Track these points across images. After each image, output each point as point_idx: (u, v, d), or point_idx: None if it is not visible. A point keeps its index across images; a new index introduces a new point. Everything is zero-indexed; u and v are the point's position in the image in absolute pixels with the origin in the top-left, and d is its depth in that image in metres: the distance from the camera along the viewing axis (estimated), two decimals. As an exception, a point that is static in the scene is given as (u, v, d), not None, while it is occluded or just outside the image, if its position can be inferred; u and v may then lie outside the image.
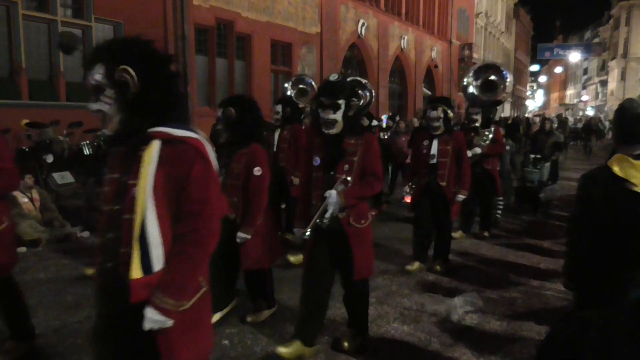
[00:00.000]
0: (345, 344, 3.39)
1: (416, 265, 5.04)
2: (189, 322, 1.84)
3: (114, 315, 1.85)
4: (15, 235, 3.55)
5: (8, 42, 8.77)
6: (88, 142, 8.38)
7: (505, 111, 39.06)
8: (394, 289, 4.65)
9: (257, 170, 3.51)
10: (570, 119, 27.84)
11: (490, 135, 6.24)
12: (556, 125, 16.09)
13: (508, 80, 6.81)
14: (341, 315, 3.75)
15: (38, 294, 4.41)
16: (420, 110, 14.92)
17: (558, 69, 65.94)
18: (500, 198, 7.35)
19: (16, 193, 6.02)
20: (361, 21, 18.08)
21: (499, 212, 7.58)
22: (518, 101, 51.96)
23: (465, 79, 7.01)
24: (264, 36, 13.70)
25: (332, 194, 3.01)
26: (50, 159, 7.94)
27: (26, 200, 6.13)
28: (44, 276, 4.94)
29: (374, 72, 19.34)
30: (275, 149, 5.58)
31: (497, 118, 14.91)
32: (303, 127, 5.97)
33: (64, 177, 7.85)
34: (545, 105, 74.92)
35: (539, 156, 8.15)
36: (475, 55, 27.78)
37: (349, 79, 8.40)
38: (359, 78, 9.13)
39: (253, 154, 3.54)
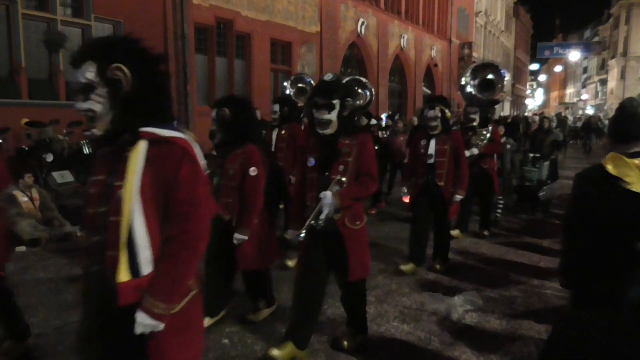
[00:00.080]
0: (345, 343, 3.40)
1: (410, 266, 5.01)
2: (179, 325, 1.80)
3: (101, 319, 1.80)
4: (9, 235, 3.53)
5: (8, 41, 8.76)
6: (88, 141, 8.38)
7: (505, 110, 39.06)
8: (393, 287, 4.65)
9: (252, 171, 3.49)
10: (570, 118, 27.83)
11: (488, 135, 6.22)
12: (555, 124, 16.09)
13: (506, 79, 6.79)
14: (341, 315, 3.75)
15: (38, 293, 4.42)
16: (419, 109, 14.91)
17: (558, 68, 65.92)
18: (500, 197, 7.36)
19: (16, 192, 6.02)
20: (361, 20, 18.07)
21: (499, 211, 7.59)
22: (518, 100, 51.96)
23: (463, 78, 6.98)
24: (264, 35, 13.69)
25: (327, 195, 2.98)
26: (50, 158, 7.94)
27: (26, 199, 6.12)
28: (43, 275, 4.94)
29: (374, 71, 19.33)
30: (273, 149, 5.54)
31: (496, 117, 14.94)
32: (302, 127, 5.95)
33: (63, 176, 7.85)
34: (545, 104, 74.88)
35: (537, 155, 8.14)
36: (474, 54, 27.78)
37: (349, 78, 8.43)
38: (358, 77, 9.10)
39: (248, 155, 3.52)
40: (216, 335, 3.61)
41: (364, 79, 8.36)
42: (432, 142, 4.93)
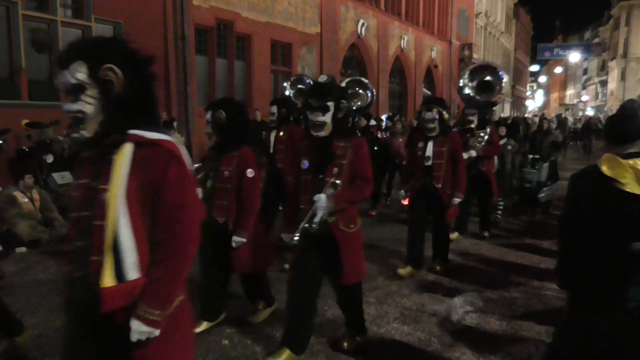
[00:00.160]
0: (345, 344, 3.40)
1: (408, 269, 4.98)
2: (166, 332, 1.76)
3: (85, 326, 1.77)
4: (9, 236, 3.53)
5: (8, 42, 8.76)
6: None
7: (505, 111, 39.07)
8: (393, 289, 4.65)
9: (249, 172, 3.48)
10: (570, 119, 27.83)
11: (486, 137, 6.19)
12: (555, 125, 16.08)
13: (504, 81, 6.76)
14: (341, 316, 3.74)
15: (38, 294, 4.42)
16: (417, 111, 14.90)
17: (558, 69, 65.94)
18: (500, 198, 7.34)
19: (16, 193, 6.03)
20: (361, 21, 18.09)
21: (499, 212, 7.59)
22: (518, 101, 51.98)
23: (461, 80, 6.95)
24: (264, 36, 13.70)
25: (322, 198, 2.93)
26: (50, 159, 7.93)
27: (26, 200, 6.13)
28: (44, 276, 4.94)
29: (374, 72, 19.34)
30: (271, 151, 5.50)
31: (497, 118, 14.93)
32: (302, 127, 5.91)
33: (64, 177, 7.84)
34: (545, 105, 74.89)
35: (537, 156, 8.12)
36: (475, 55, 27.78)
37: (350, 78, 8.43)
38: (360, 77, 9.10)
39: (244, 157, 3.50)
40: (216, 337, 3.61)
41: (365, 80, 8.36)
42: (430, 144, 4.88)
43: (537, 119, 13.93)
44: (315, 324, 3.76)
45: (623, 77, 47.61)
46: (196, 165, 4.36)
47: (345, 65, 18.09)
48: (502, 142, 7.78)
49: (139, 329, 1.69)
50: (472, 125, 6.27)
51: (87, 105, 1.69)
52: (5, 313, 3.31)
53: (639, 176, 2.06)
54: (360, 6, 18.08)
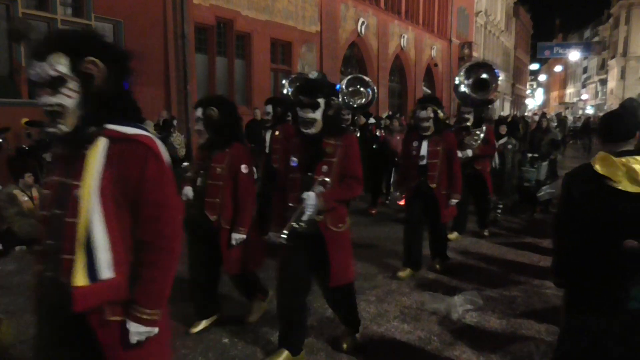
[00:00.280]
0: (345, 345, 3.40)
1: (407, 271, 4.95)
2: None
3: (57, 329, 1.73)
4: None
5: (8, 41, 8.75)
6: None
7: (505, 110, 39.05)
8: (393, 287, 4.65)
9: (244, 168, 3.47)
10: (570, 118, 27.82)
11: (482, 135, 6.15)
12: (556, 124, 16.07)
13: (500, 78, 6.72)
14: (341, 314, 3.75)
15: (38, 292, 4.42)
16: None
17: (558, 68, 65.90)
18: (497, 197, 7.32)
19: (16, 192, 6.02)
20: (361, 20, 18.07)
21: (499, 211, 7.59)
22: (518, 100, 51.95)
23: (456, 78, 6.90)
24: (264, 35, 13.69)
25: (310, 196, 2.87)
26: (50, 157, 7.92)
27: (26, 198, 6.12)
28: (44, 275, 4.93)
29: (374, 71, 19.32)
30: (267, 150, 5.43)
31: (496, 117, 14.90)
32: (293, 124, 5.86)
33: (63, 176, 7.84)
34: (545, 103, 74.85)
35: (536, 155, 8.11)
36: (475, 54, 27.76)
37: (351, 76, 8.42)
38: (361, 75, 9.09)
39: (237, 153, 3.48)
40: (216, 335, 3.62)
41: (366, 78, 8.34)
42: (424, 144, 4.82)
43: (537, 118, 13.90)
44: (315, 323, 3.77)
45: (623, 75, 47.59)
46: (185, 164, 4.34)
47: (345, 64, 18.07)
48: (502, 141, 7.77)
49: (137, 330, 1.69)
50: (468, 124, 6.24)
51: (67, 98, 1.64)
52: None
53: (632, 174, 2.06)
54: (360, 4, 18.06)
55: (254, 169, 5.18)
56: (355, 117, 8.09)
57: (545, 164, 8.04)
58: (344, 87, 7.87)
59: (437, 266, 5.12)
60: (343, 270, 3.08)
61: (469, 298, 4.22)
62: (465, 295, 4.26)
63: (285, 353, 3.13)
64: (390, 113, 15.06)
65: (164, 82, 10.90)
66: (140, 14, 10.26)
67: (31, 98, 8.96)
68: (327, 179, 2.96)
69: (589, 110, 45.74)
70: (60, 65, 1.62)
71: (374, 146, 8.27)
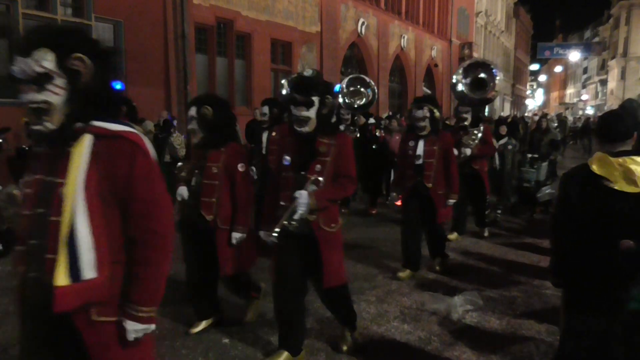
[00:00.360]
0: (345, 344, 3.39)
1: (407, 272, 4.94)
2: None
3: (41, 331, 1.70)
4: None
5: (8, 41, 8.76)
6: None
7: (505, 110, 39.06)
8: (393, 287, 4.65)
9: (241, 167, 3.45)
10: (570, 118, 27.83)
11: (479, 135, 6.12)
12: (556, 124, 16.07)
13: (498, 78, 6.70)
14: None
15: (38, 292, 4.41)
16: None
17: (558, 68, 65.90)
18: (495, 197, 7.31)
19: (16, 191, 6.01)
20: (361, 20, 18.07)
21: (499, 211, 7.59)
22: (518, 100, 51.96)
23: (454, 77, 6.87)
24: (264, 35, 13.69)
25: (303, 194, 2.84)
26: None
27: (26, 199, 6.12)
28: (44, 275, 4.93)
29: (374, 71, 19.33)
30: (264, 151, 5.38)
31: (496, 117, 14.87)
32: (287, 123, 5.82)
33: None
34: (545, 104, 74.88)
35: (535, 156, 8.10)
36: (475, 54, 27.72)
37: (352, 76, 8.42)
38: (362, 75, 9.09)
39: (233, 152, 3.46)
40: (216, 335, 3.61)
41: (367, 78, 8.34)
42: (421, 143, 4.79)
43: (537, 118, 13.90)
44: (315, 323, 3.77)
45: (623, 76, 47.63)
46: (180, 164, 4.31)
47: (346, 64, 18.08)
48: (502, 141, 7.77)
49: (134, 328, 1.68)
50: (466, 123, 6.22)
51: (54, 95, 1.60)
52: None
53: (629, 175, 2.07)
54: (360, 5, 18.07)
55: (253, 169, 5.20)
56: (355, 117, 8.09)
57: (545, 164, 8.02)
58: (344, 87, 7.87)
59: (437, 267, 5.12)
60: (336, 271, 3.06)
61: (469, 298, 4.22)
62: (466, 296, 4.26)
63: (285, 354, 3.13)
64: (391, 113, 15.06)
65: (164, 82, 10.90)
66: (140, 14, 10.26)
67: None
68: (320, 178, 2.94)
69: (589, 111, 45.72)
70: (46, 61, 1.58)
71: (373, 146, 8.26)
